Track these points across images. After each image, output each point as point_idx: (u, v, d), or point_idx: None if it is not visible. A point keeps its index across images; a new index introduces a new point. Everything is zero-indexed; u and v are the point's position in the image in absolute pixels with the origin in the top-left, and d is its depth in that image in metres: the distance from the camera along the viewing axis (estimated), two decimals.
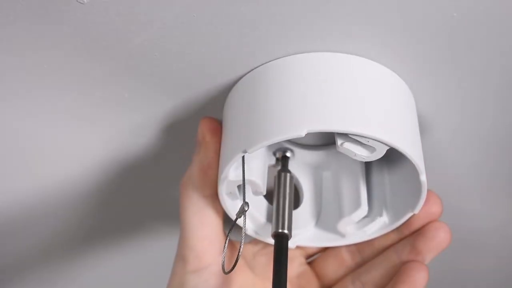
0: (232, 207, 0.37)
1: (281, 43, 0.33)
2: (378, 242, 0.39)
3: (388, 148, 0.32)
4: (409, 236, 0.38)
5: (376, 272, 0.38)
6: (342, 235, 0.39)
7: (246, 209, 0.34)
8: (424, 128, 0.39)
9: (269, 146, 0.40)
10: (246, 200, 0.35)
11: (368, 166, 0.40)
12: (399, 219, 0.37)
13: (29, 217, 0.50)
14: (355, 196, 0.38)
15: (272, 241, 0.36)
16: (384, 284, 0.37)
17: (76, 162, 0.45)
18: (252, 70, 0.35)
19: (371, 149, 0.32)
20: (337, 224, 0.39)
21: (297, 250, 0.41)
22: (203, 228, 0.37)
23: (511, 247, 0.54)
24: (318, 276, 0.41)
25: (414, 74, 0.35)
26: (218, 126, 0.38)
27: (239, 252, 0.33)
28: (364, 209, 0.37)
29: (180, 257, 0.37)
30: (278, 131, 0.32)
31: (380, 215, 0.38)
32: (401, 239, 0.38)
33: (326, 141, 0.42)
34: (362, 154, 0.32)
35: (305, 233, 0.40)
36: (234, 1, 0.30)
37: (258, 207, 0.39)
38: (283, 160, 0.40)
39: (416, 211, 0.36)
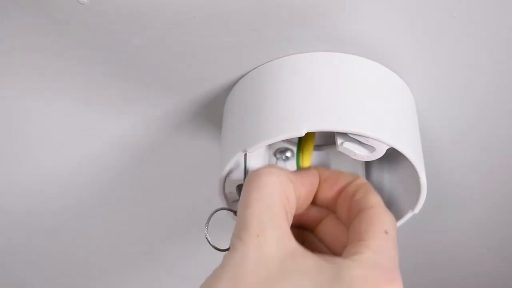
0: (232, 207, 0.37)
1: (281, 43, 0.33)
2: None
3: (387, 147, 0.32)
4: None
5: None
6: None
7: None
8: (424, 128, 0.39)
9: (269, 146, 0.40)
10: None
11: (368, 166, 0.40)
12: (399, 218, 0.37)
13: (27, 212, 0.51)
14: None
15: None
16: None
17: (74, 165, 0.45)
18: (252, 70, 0.35)
19: (371, 148, 0.32)
20: None
21: None
22: None
23: (511, 248, 0.54)
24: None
25: (414, 73, 0.35)
26: None
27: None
28: None
29: None
30: (277, 130, 0.32)
31: None
32: None
33: (326, 141, 0.42)
34: (362, 153, 0.33)
35: None
36: (234, 2, 0.30)
37: None
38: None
39: (416, 210, 0.36)
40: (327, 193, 0.34)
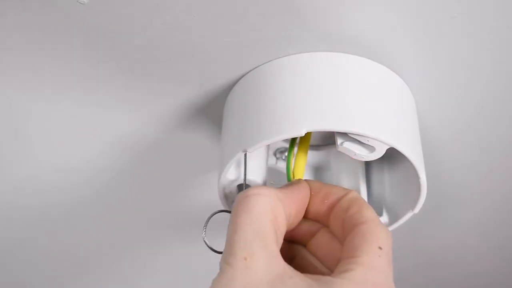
0: (231, 208, 0.37)
1: (281, 43, 0.33)
2: None
3: (387, 147, 0.32)
4: None
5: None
6: None
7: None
8: (424, 128, 0.39)
9: (269, 146, 0.41)
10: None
11: (368, 165, 0.40)
12: (399, 218, 0.37)
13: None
14: None
15: None
16: None
17: (74, 165, 0.45)
18: (252, 70, 0.35)
19: (370, 148, 0.32)
20: None
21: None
22: None
23: (511, 248, 0.54)
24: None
25: (414, 73, 0.35)
26: None
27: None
28: None
29: None
30: (277, 130, 0.32)
31: (380, 214, 0.38)
32: None
33: (326, 141, 0.42)
34: (362, 153, 0.32)
35: None
36: (234, 2, 0.30)
37: None
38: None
39: (416, 210, 0.36)
40: (319, 208, 0.33)
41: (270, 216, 0.30)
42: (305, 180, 0.34)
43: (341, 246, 0.31)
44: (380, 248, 0.29)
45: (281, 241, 0.31)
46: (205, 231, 0.33)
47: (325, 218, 0.33)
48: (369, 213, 0.31)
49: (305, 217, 0.34)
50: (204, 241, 0.33)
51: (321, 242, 0.33)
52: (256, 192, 0.30)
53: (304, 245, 0.34)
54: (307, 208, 0.33)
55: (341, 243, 0.31)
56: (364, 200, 0.32)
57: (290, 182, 0.34)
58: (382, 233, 0.30)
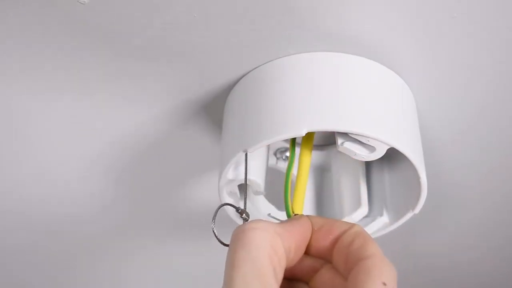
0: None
1: (281, 43, 0.33)
2: None
3: (388, 147, 0.32)
4: None
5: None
6: None
7: (246, 218, 0.34)
8: (424, 128, 0.39)
9: (270, 146, 0.41)
10: (246, 201, 0.35)
11: (368, 165, 0.40)
12: (400, 218, 0.37)
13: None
14: (355, 195, 0.38)
15: None
16: None
17: (74, 165, 0.45)
18: (253, 69, 0.35)
19: (371, 148, 0.32)
20: None
21: None
22: None
23: (511, 248, 0.54)
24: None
25: (414, 73, 0.35)
26: None
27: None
28: (364, 208, 0.37)
29: None
30: (278, 130, 0.32)
31: (381, 214, 0.38)
32: None
33: (326, 141, 0.42)
34: (362, 153, 0.33)
35: None
36: (234, 2, 0.30)
37: (258, 206, 0.40)
38: None
39: (417, 210, 0.36)
40: (322, 243, 0.32)
41: (268, 251, 0.29)
42: (307, 215, 0.33)
43: (345, 282, 0.30)
44: (384, 284, 0.29)
45: (281, 276, 0.30)
46: (214, 222, 0.33)
47: (328, 254, 0.32)
48: (373, 247, 0.30)
49: (308, 253, 0.33)
50: (213, 231, 0.33)
51: (325, 278, 0.32)
52: (254, 226, 0.29)
53: (307, 282, 0.33)
54: (309, 244, 0.32)
55: (344, 278, 0.30)
56: (368, 234, 0.31)
57: (290, 218, 0.33)
58: (386, 268, 0.29)
